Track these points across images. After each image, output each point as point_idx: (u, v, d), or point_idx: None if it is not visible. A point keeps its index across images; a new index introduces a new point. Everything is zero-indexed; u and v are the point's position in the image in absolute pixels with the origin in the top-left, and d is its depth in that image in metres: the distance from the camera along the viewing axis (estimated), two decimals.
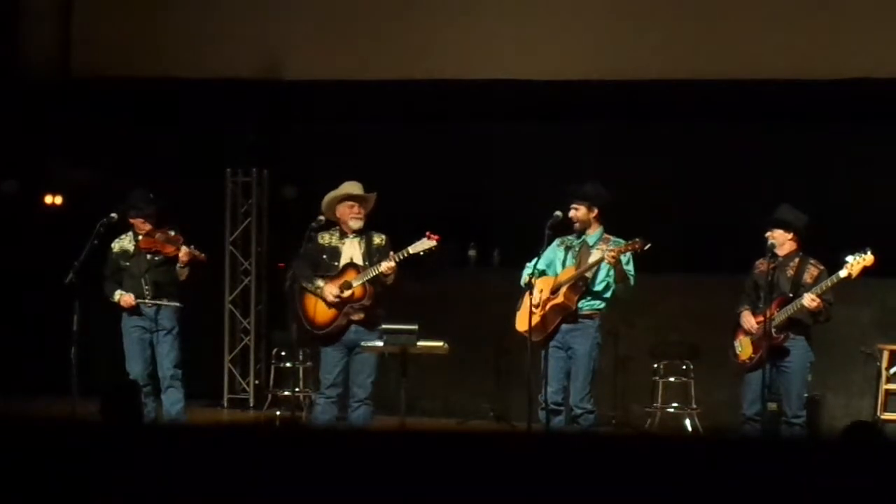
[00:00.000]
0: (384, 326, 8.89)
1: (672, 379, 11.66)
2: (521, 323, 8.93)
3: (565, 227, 9.00)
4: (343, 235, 9.25)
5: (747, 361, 8.77)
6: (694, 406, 11.52)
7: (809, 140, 11.84)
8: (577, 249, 8.93)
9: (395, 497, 3.30)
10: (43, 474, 3.40)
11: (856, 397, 11.27)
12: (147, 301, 9.74)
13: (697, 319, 11.30)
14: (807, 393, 9.06)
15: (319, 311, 9.18)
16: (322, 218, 9.29)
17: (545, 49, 12.43)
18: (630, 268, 8.80)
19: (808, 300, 8.52)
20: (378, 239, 9.24)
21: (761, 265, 8.80)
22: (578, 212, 8.91)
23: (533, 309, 8.74)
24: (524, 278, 8.92)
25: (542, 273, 8.92)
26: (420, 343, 8.79)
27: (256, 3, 13.08)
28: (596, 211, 8.92)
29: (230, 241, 13.19)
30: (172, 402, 9.76)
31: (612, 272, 8.79)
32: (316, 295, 9.16)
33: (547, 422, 8.81)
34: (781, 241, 8.76)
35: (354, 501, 3.32)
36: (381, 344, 8.89)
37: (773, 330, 8.60)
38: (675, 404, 11.65)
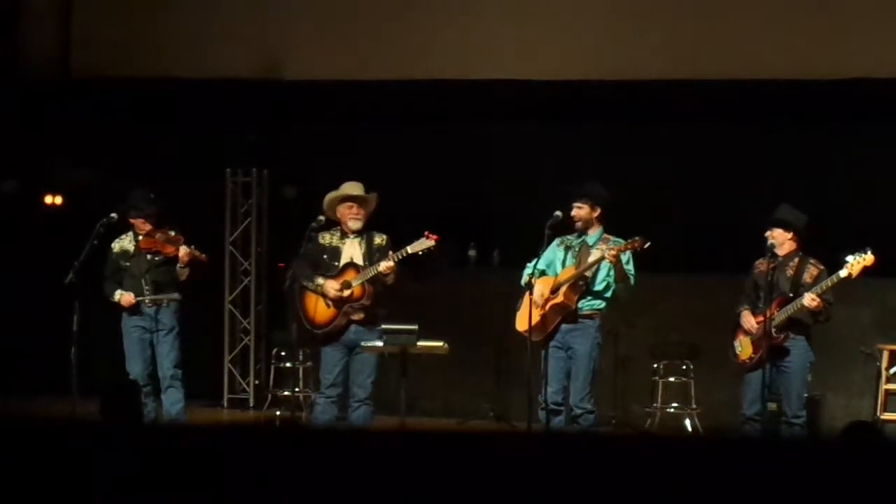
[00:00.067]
0: (384, 326, 8.89)
1: (672, 379, 11.66)
2: (521, 323, 8.93)
3: (565, 227, 9.01)
4: (344, 235, 9.26)
5: (747, 361, 8.77)
6: (694, 406, 11.52)
7: (809, 140, 11.84)
8: (576, 249, 8.93)
9: (396, 497, 3.30)
10: (43, 474, 3.40)
11: (856, 397, 11.27)
12: (146, 298, 9.72)
13: (697, 319, 11.30)
14: (807, 393, 9.06)
15: (319, 311, 9.18)
16: (322, 218, 9.29)
17: (545, 49, 12.43)
18: (630, 267, 8.81)
19: (809, 300, 8.52)
20: (379, 239, 9.24)
21: (761, 265, 8.80)
22: (582, 210, 8.91)
23: (536, 303, 8.73)
24: (524, 278, 8.93)
25: (542, 273, 8.92)
26: (420, 343, 8.79)
27: (256, 3, 13.08)
28: (598, 211, 8.93)
29: (230, 241, 13.19)
30: (172, 402, 9.76)
31: (612, 272, 8.79)
32: (317, 293, 9.17)
33: (547, 422, 8.81)
34: (781, 240, 8.76)
35: (354, 501, 3.32)
36: (381, 344, 8.89)
37: (773, 330, 8.60)
38: (675, 404, 11.65)
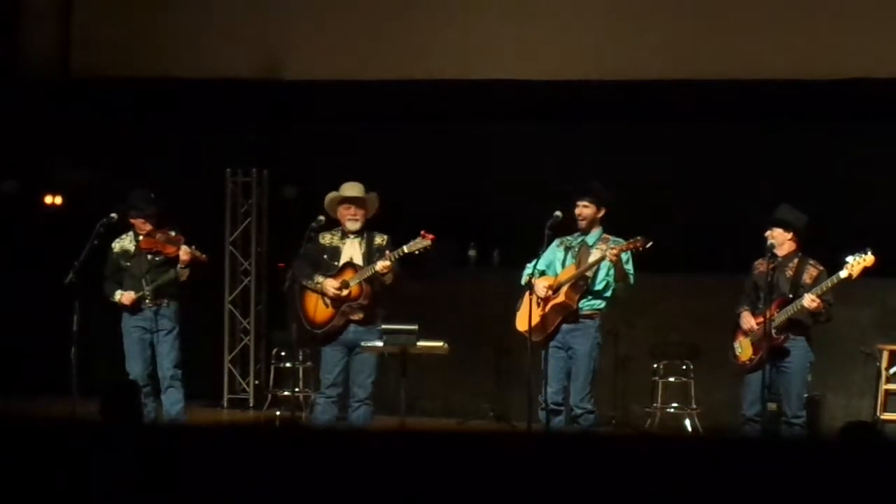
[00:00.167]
0: (384, 326, 8.90)
1: (672, 379, 11.66)
2: (521, 323, 8.93)
3: (565, 228, 9.00)
4: (345, 235, 9.27)
5: (747, 363, 8.77)
6: (694, 406, 11.52)
7: (809, 140, 11.84)
8: (576, 250, 8.93)
9: (396, 497, 3.30)
10: (43, 474, 3.40)
11: (856, 397, 11.27)
12: (147, 291, 9.72)
13: (697, 319, 11.29)
14: (807, 393, 9.06)
15: (319, 311, 9.19)
16: (322, 218, 9.30)
17: (545, 49, 12.43)
18: (629, 267, 8.81)
19: (809, 301, 8.52)
20: (379, 239, 9.25)
21: (761, 265, 8.80)
22: (588, 209, 8.91)
23: (539, 300, 8.73)
24: (524, 279, 8.93)
25: (542, 274, 8.92)
26: (420, 343, 8.79)
27: (256, 3, 13.08)
28: (602, 211, 8.93)
29: (230, 241, 13.19)
30: (172, 402, 9.76)
31: (612, 271, 8.79)
32: (316, 291, 9.17)
33: (547, 422, 8.81)
34: (781, 240, 8.76)
35: (354, 501, 3.32)
36: (381, 344, 8.90)
37: (773, 331, 8.60)
38: (675, 404, 11.65)
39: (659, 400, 11.65)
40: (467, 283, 12.42)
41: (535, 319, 8.71)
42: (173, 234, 9.86)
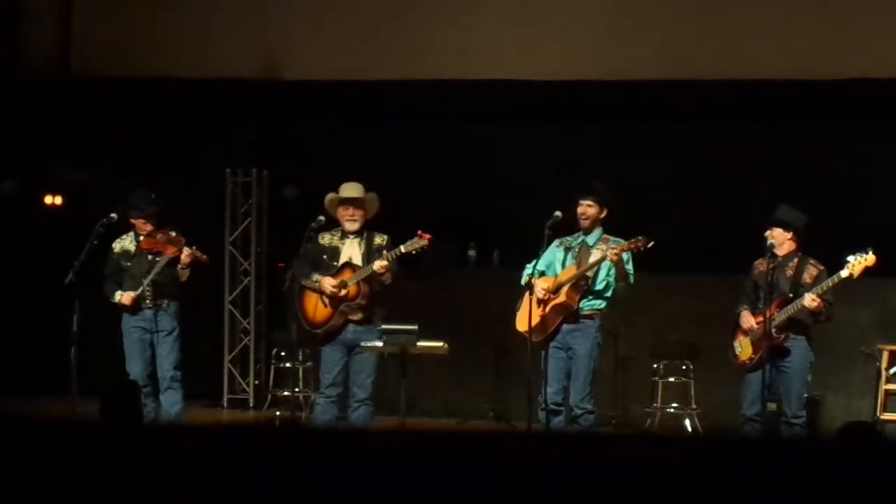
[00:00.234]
0: (384, 326, 8.90)
1: (672, 379, 11.66)
2: (521, 323, 8.93)
3: (565, 228, 9.00)
4: (344, 235, 9.27)
5: (747, 362, 8.77)
6: (694, 406, 11.52)
7: (809, 140, 11.84)
8: (576, 250, 8.93)
9: (396, 497, 3.30)
10: (43, 474, 3.40)
11: (856, 397, 11.27)
12: (146, 289, 9.72)
13: (697, 319, 11.30)
14: (807, 393, 9.06)
15: (318, 311, 9.19)
16: (322, 218, 9.30)
17: (545, 49, 12.43)
18: (630, 267, 8.80)
19: (809, 300, 8.51)
20: (379, 239, 9.25)
21: (760, 265, 8.80)
22: (592, 209, 8.91)
23: (539, 299, 8.73)
24: (524, 279, 8.93)
25: (542, 274, 8.92)
26: (420, 343, 8.79)
27: (256, 3, 13.08)
28: (605, 212, 8.93)
29: (230, 242, 13.19)
30: (171, 403, 9.75)
31: (612, 271, 8.78)
32: (314, 290, 9.17)
33: (547, 422, 8.81)
34: (781, 240, 8.76)
35: (354, 501, 3.32)
36: (380, 344, 8.90)
37: (774, 330, 8.60)
38: (675, 404, 11.65)
39: (659, 400, 11.65)
40: (467, 283, 12.42)
41: (535, 319, 8.71)
42: (174, 234, 9.85)
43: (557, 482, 3.27)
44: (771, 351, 8.58)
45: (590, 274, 8.83)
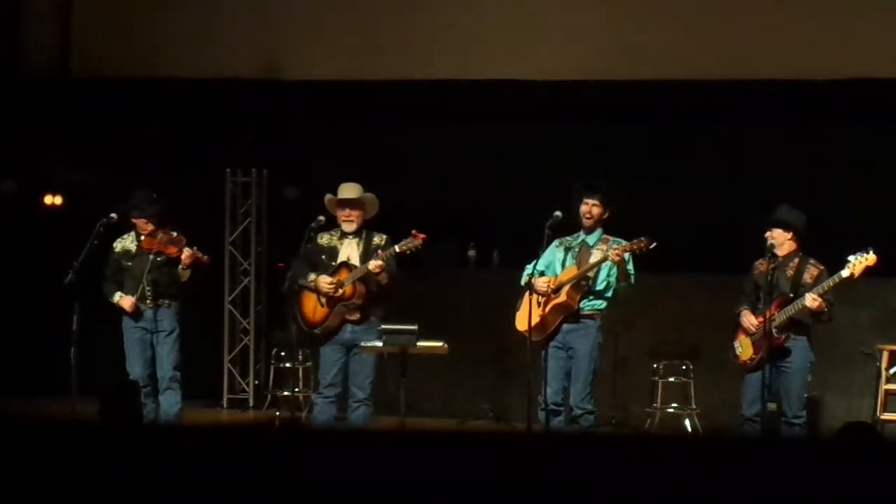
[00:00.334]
0: (383, 326, 8.89)
1: (672, 379, 11.66)
2: (521, 323, 8.92)
3: (565, 228, 9.00)
4: (343, 236, 9.27)
5: (748, 362, 8.77)
6: (694, 406, 11.52)
7: (809, 140, 11.84)
8: (576, 250, 8.93)
9: (396, 497, 3.30)
10: (43, 474, 3.40)
11: (856, 397, 11.27)
12: (146, 288, 9.71)
13: (697, 319, 11.29)
14: (807, 393, 9.06)
15: (317, 311, 9.19)
16: (322, 218, 9.30)
17: (545, 49, 12.43)
18: (630, 267, 8.80)
19: (810, 300, 8.51)
20: (378, 239, 9.25)
21: (761, 265, 8.79)
22: (596, 208, 8.90)
23: (542, 293, 8.73)
24: (524, 279, 8.92)
25: (542, 274, 8.92)
26: (420, 343, 8.79)
27: (256, 4, 13.08)
28: (608, 212, 8.92)
29: (230, 242, 13.19)
30: (170, 403, 9.75)
31: (613, 272, 8.78)
32: (311, 289, 9.17)
33: (547, 422, 8.81)
34: (781, 241, 8.76)
35: (354, 501, 3.31)
36: (380, 344, 8.89)
37: (774, 330, 8.59)
38: (674, 404, 11.64)
39: (659, 400, 11.65)
40: (467, 283, 12.42)
41: (535, 319, 8.71)
42: (175, 234, 9.85)
43: (557, 482, 3.27)
44: (771, 351, 8.58)
45: (591, 274, 8.82)
